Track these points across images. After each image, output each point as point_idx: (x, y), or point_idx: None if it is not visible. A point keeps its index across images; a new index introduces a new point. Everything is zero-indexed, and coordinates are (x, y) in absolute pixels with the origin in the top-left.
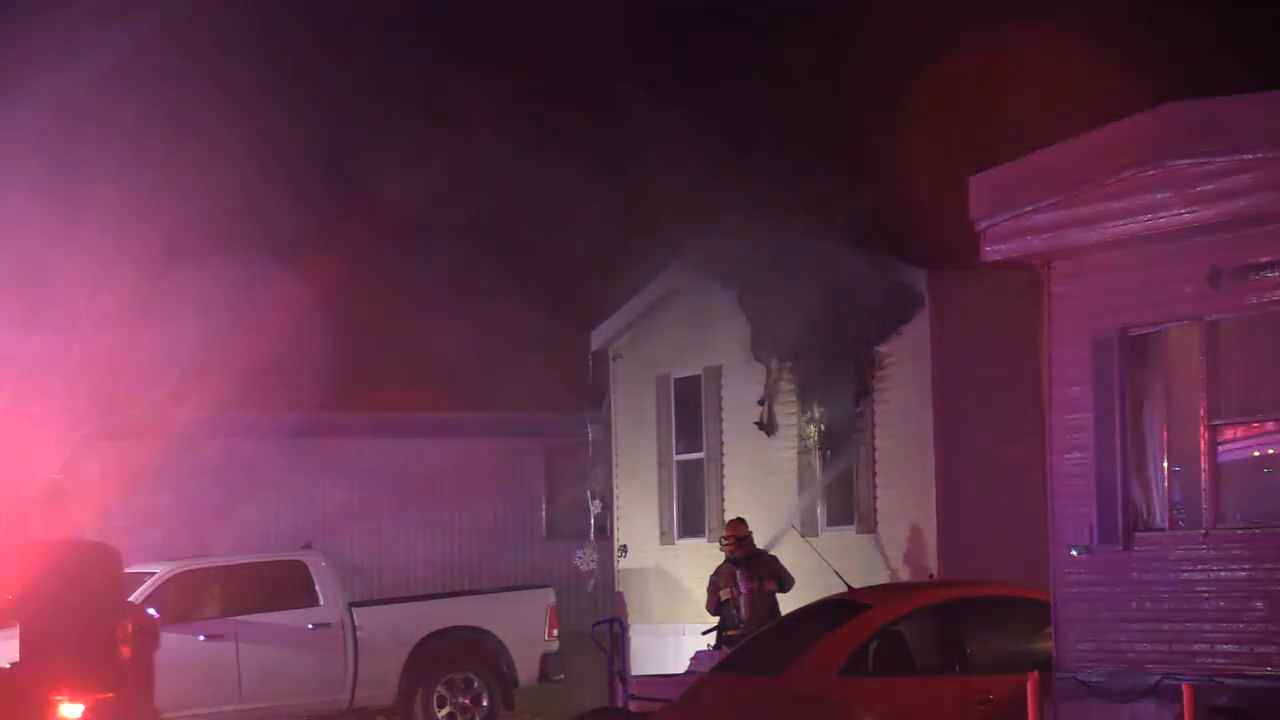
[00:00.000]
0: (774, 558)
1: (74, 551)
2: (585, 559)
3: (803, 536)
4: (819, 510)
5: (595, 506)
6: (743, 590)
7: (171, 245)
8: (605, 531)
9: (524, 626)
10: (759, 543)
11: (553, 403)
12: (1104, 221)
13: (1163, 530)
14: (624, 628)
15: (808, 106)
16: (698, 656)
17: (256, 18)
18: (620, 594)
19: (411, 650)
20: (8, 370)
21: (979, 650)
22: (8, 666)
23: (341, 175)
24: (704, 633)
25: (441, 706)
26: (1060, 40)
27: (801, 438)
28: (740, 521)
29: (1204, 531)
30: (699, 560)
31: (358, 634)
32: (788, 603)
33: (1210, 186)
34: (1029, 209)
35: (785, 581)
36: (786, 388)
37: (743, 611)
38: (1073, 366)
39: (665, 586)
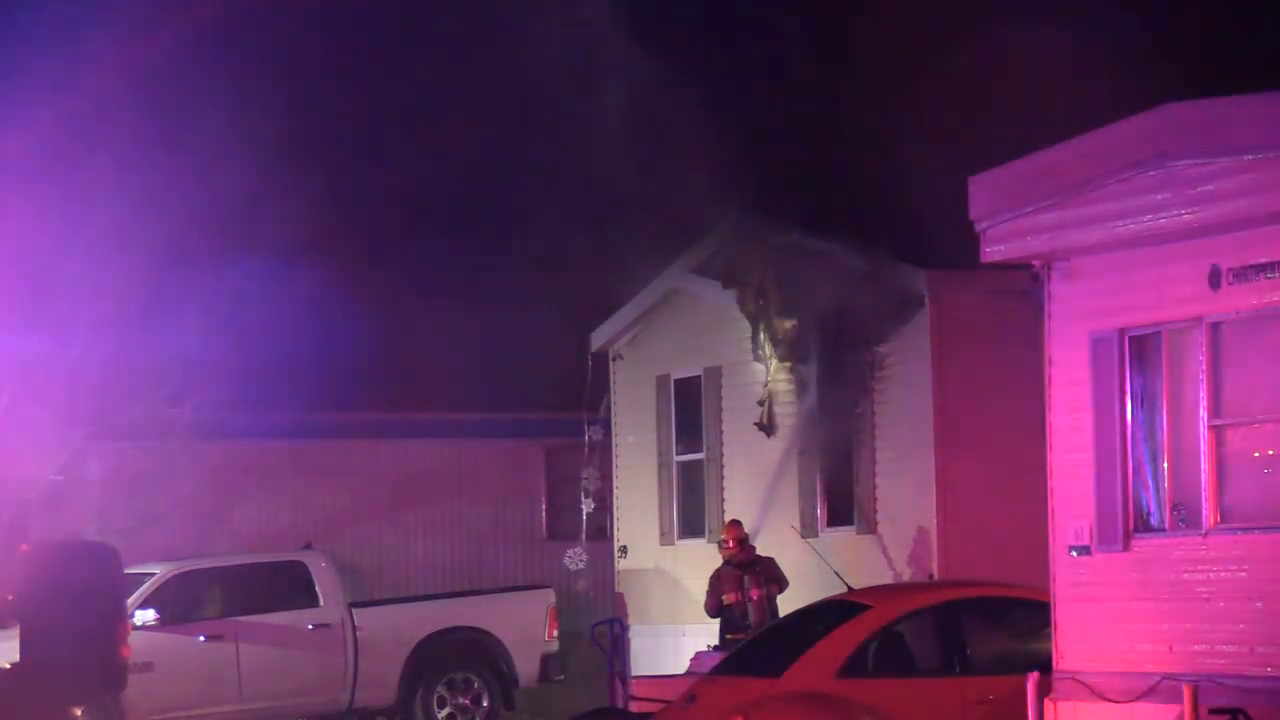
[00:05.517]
0: (771, 559)
1: (74, 551)
2: (576, 559)
3: (803, 537)
4: (819, 510)
5: (588, 506)
6: (753, 596)
7: (172, 245)
8: (603, 531)
9: (524, 626)
10: (751, 542)
11: (553, 403)
12: (1104, 221)
13: (1163, 531)
14: (624, 628)
15: (808, 105)
16: (698, 656)
17: (254, 18)
18: (620, 594)
19: (411, 650)
20: (8, 370)
21: (979, 650)
22: (8, 666)
23: (342, 175)
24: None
25: (441, 706)
26: (1061, 39)
27: (801, 438)
28: (738, 524)
29: (1204, 532)
30: (699, 560)
31: (358, 634)
32: (786, 603)
33: (1210, 186)
34: (1029, 209)
35: (783, 583)
36: (786, 388)
37: (751, 617)
38: (1073, 367)
39: (665, 587)
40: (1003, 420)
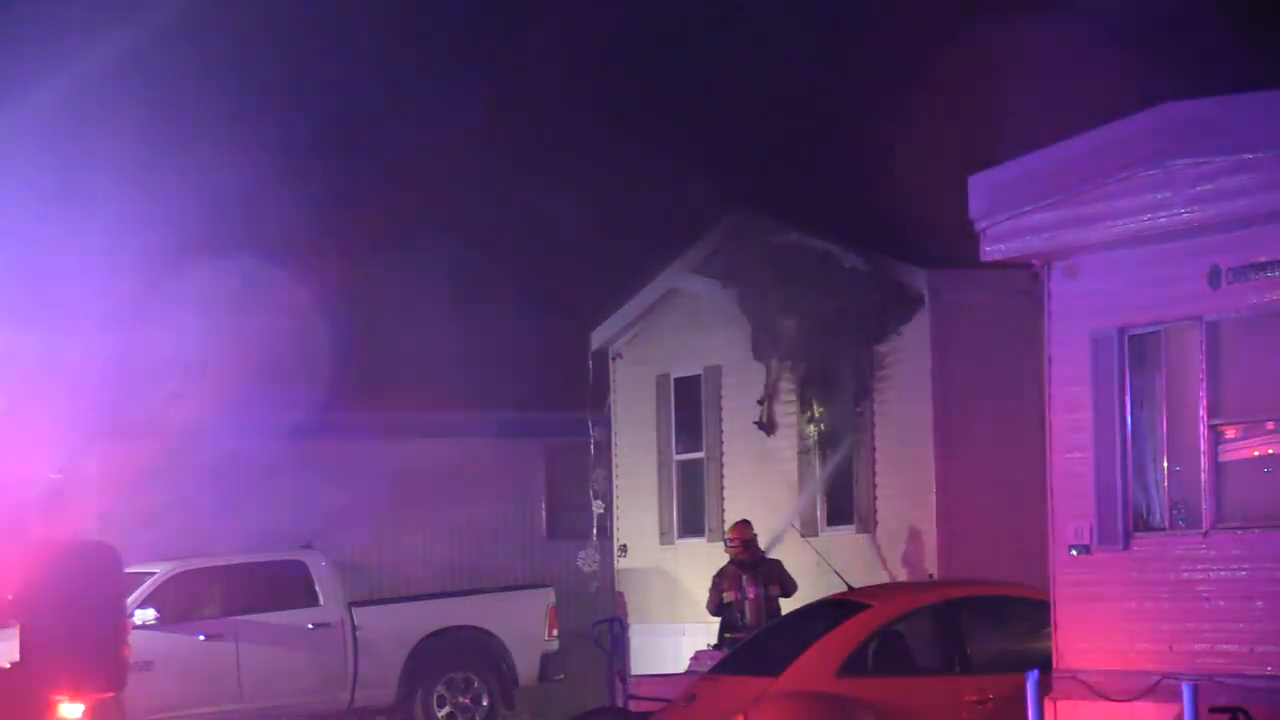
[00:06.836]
0: (778, 562)
1: (74, 551)
2: (588, 560)
3: (803, 536)
4: (819, 510)
5: (598, 507)
6: (749, 595)
7: (172, 244)
8: (605, 531)
9: (524, 626)
10: (758, 544)
11: (553, 403)
12: (1104, 221)
13: (1162, 530)
14: (624, 628)
15: (807, 106)
16: (698, 656)
17: (257, 19)
18: (620, 594)
19: (411, 650)
20: (8, 370)
21: (979, 650)
22: (8, 666)
23: (342, 175)
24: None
25: (441, 706)
26: (1060, 39)
27: (801, 438)
28: (746, 524)
29: (1204, 531)
30: (699, 560)
31: (358, 634)
32: (789, 606)
33: (1210, 186)
34: (1029, 208)
35: (789, 587)
36: (786, 388)
37: (747, 616)
38: (1072, 366)
39: (665, 586)
40: (1003, 419)
